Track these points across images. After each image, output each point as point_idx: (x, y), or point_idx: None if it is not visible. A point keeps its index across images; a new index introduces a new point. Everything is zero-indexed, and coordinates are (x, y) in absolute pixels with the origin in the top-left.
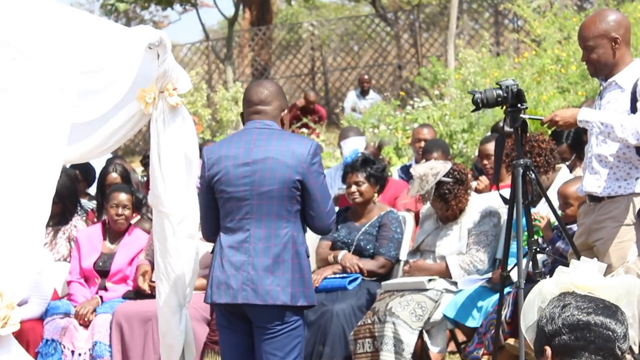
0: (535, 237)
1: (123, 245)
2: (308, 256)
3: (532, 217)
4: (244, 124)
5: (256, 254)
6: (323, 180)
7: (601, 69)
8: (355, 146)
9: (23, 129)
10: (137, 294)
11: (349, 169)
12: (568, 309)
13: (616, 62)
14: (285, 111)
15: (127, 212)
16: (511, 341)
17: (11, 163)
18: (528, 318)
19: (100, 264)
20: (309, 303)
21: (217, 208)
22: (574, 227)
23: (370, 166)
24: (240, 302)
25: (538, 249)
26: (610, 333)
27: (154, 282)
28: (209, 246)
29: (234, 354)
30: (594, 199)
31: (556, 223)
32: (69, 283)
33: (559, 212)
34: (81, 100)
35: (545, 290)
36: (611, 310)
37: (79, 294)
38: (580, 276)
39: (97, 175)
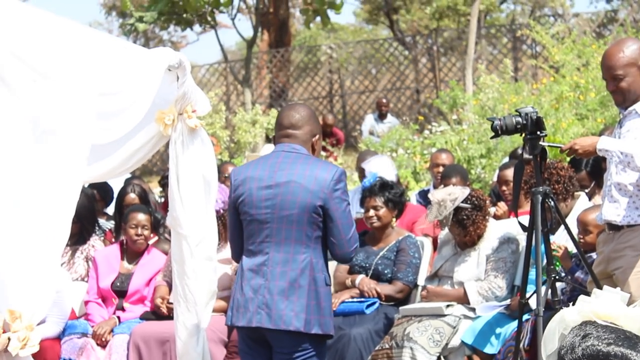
0: (554, 266)
1: (141, 265)
2: (328, 284)
3: (552, 245)
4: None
5: (273, 277)
6: (346, 207)
7: (630, 97)
8: (380, 166)
9: (43, 150)
10: (155, 314)
11: (367, 194)
12: (589, 339)
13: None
14: (317, 136)
15: (146, 232)
16: None
17: (31, 184)
18: (549, 347)
19: (118, 284)
20: (323, 332)
21: (242, 229)
22: (594, 255)
23: (389, 191)
24: (254, 326)
25: (557, 277)
26: None
27: (171, 303)
28: (227, 268)
29: None
30: (613, 227)
31: (574, 251)
32: (86, 303)
33: (577, 240)
34: (100, 121)
35: (568, 318)
36: (632, 341)
37: (97, 313)
38: (602, 305)
39: (115, 195)
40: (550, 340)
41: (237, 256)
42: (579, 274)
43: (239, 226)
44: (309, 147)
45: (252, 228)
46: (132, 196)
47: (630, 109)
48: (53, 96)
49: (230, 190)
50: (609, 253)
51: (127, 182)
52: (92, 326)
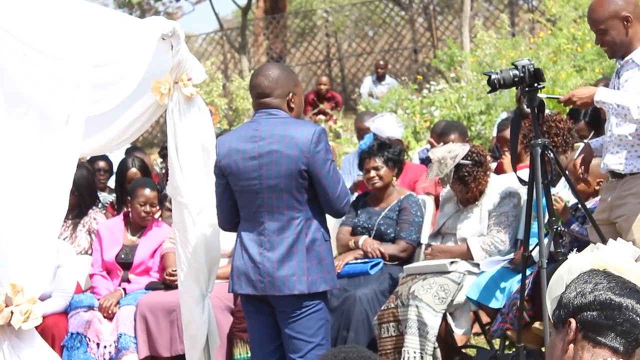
0: (555, 218)
1: (145, 237)
2: (327, 240)
3: (552, 197)
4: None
5: (271, 246)
6: (330, 166)
7: (618, 49)
8: (386, 124)
9: (38, 124)
10: (164, 284)
11: (366, 155)
12: (600, 287)
13: (630, 40)
14: (291, 94)
15: (153, 209)
16: (538, 324)
17: (27, 158)
18: (554, 291)
19: (123, 256)
20: (330, 287)
21: (231, 197)
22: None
23: (387, 150)
24: (259, 294)
25: (559, 228)
26: (639, 319)
27: (175, 272)
28: (231, 235)
29: (262, 336)
30: (616, 175)
31: (570, 203)
32: (91, 276)
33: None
34: (95, 93)
35: (577, 265)
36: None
37: (102, 286)
38: (613, 256)
39: (115, 168)
40: (557, 285)
41: (224, 223)
42: (574, 226)
43: (227, 194)
44: (284, 107)
45: (244, 198)
46: (134, 170)
47: (627, 58)
48: (46, 69)
49: (216, 159)
50: (612, 201)
51: (128, 153)
52: (98, 299)
